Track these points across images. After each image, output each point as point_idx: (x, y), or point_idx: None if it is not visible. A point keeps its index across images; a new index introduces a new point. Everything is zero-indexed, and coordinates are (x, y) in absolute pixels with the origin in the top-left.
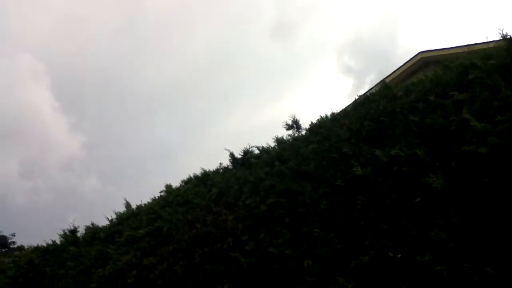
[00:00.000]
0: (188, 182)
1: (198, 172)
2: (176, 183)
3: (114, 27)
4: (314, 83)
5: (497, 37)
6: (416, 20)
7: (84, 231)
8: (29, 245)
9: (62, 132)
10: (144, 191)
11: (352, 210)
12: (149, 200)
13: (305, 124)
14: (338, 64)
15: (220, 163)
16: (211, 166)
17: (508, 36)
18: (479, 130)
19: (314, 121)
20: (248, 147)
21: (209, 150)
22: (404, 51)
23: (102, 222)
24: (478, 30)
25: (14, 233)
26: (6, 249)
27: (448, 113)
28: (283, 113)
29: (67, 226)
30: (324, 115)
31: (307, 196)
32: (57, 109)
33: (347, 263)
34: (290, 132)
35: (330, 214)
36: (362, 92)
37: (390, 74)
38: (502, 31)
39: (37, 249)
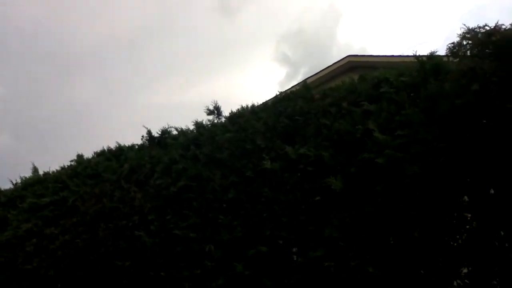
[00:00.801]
0: (101, 154)
1: (112, 145)
2: (89, 154)
3: None
4: (250, 66)
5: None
6: (358, 21)
7: None
8: None
9: None
10: (57, 155)
11: (258, 201)
12: (58, 168)
13: (226, 111)
14: (276, 52)
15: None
16: (131, 138)
17: (421, 58)
18: (379, 141)
19: (235, 110)
20: (166, 127)
21: (131, 122)
22: (340, 49)
23: (6, 185)
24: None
25: None
26: None
27: (356, 121)
28: (213, 93)
29: None
30: (245, 106)
31: (217, 183)
32: None
33: (247, 251)
34: (211, 117)
35: (236, 203)
36: (293, 83)
37: (318, 73)
38: (416, 52)
39: None
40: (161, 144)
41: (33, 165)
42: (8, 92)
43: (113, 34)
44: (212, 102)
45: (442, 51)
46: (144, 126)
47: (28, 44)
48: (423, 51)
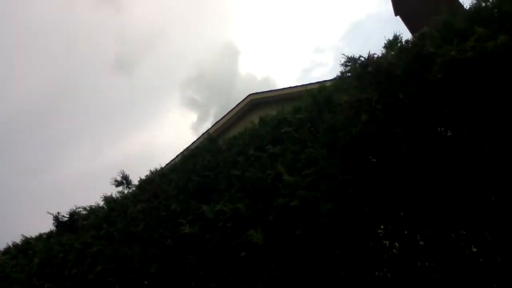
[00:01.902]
0: (6, 252)
1: (18, 239)
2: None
3: None
4: (160, 117)
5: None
6: (257, 52)
7: None
8: None
9: None
10: None
11: (183, 270)
12: None
13: (141, 171)
14: (183, 98)
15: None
16: (39, 226)
17: (312, 91)
18: (290, 183)
19: (144, 176)
20: (74, 208)
21: (39, 205)
22: (243, 82)
23: None
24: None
25: None
26: None
27: (265, 166)
28: (128, 152)
29: None
30: (154, 170)
31: (137, 259)
32: None
33: None
34: (120, 188)
35: (160, 277)
36: (206, 124)
37: (223, 117)
38: (306, 87)
39: None
40: (71, 228)
41: None
42: None
43: (9, 111)
44: (119, 172)
45: (333, 70)
46: (48, 213)
47: None
48: (319, 73)
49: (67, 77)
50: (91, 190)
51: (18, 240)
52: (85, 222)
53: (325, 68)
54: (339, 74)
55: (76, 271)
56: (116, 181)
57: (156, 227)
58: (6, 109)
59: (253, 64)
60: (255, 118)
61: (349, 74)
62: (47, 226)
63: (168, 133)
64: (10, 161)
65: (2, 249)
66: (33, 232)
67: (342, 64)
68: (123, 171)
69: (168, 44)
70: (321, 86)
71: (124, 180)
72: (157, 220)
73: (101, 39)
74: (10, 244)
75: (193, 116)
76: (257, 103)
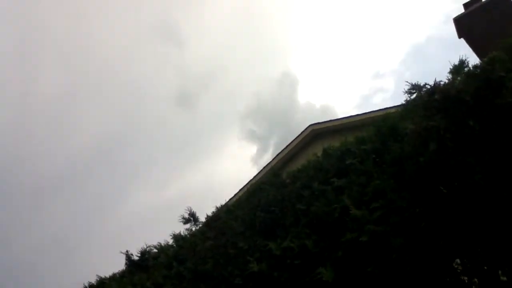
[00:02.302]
0: None
1: (93, 279)
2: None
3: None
4: (220, 152)
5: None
6: (315, 80)
7: None
8: None
9: None
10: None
11: None
12: None
13: (207, 208)
14: (242, 131)
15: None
16: (114, 261)
17: (378, 121)
18: (358, 217)
19: (210, 213)
20: (145, 247)
21: (111, 243)
22: (303, 112)
23: None
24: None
25: None
26: None
27: (330, 200)
28: (191, 188)
29: None
30: (220, 206)
31: None
32: None
33: None
34: (188, 225)
35: None
36: (265, 157)
37: (284, 149)
38: (368, 115)
39: None
40: (142, 267)
41: None
42: None
43: (70, 157)
44: (186, 209)
45: (394, 96)
46: (121, 252)
47: None
48: (379, 99)
49: (131, 114)
50: (158, 226)
51: (93, 280)
52: (155, 260)
53: (385, 93)
54: (403, 102)
55: None
56: (183, 218)
57: (225, 265)
58: (71, 148)
59: (311, 93)
60: (317, 149)
61: (414, 102)
62: (119, 263)
63: (228, 166)
64: (79, 200)
65: None
66: (105, 271)
67: (406, 92)
68: (190, 208)
69: (228, 76)
70: (385, 115)
71: (191, 217)
72: (225, 258)
73: (164, 75)
74: (86, 284)
75: (252, 148)
76: (318, 133)
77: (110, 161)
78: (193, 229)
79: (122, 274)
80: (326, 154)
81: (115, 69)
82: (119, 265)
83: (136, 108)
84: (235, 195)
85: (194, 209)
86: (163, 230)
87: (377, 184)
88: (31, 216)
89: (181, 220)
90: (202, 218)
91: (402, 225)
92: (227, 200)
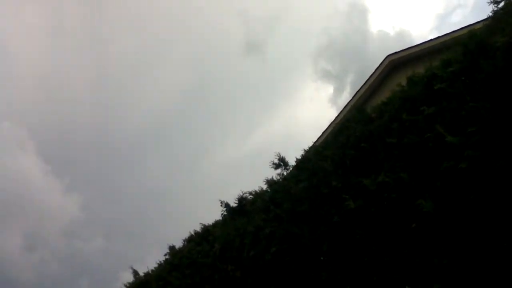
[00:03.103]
0: (190, 240)
1: (195, 227)
2: (177, 242)
3: (87, 80)
4: (296, 95)
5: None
6: (385, 5)
7: None
8: None
9: (58, 195)
10: (149, 244)
11: (353, 246)
12: (156, 265)
13: (293, 151)
14: (315, 71)
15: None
16: (210, 209)
17: (464, 39)
18: (454, 144)
19: (299, 156)
20: (241, 194)
21: (206, 188)
22: (376, 43)
23: None
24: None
25: None
26: None
27: (422, 129)
28: (272, 135)
29: None
30: (307, 148)
31: (307, 238)
32: (48, 173)
33: None
34: (279, 170)
35: (333, 254)
36: (344, 95)
37: (363, 85)
38: (450, 36)
39: None
40: (241, 212)
41: (132, 268)
42: (87, 197)
43: (155, 115)
44: (275, 155)
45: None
46: (220, 201)
47: (85, 147)
48: (459, 17)
49: (204, 69)
50: (246, 174)
51: (198, 228)
52: (252, 206)
53: (464, 9)
54: (490, 14)
55: (253, 253)
56: (273, 163)
57: (321, 205)
58: (154, 109)
59: (383, 20)
60: (397, 81)
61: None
62: (215, 212)
63: (306, 110)
64: (167, 158)
65: (187, 237)
66: (205, 219)
67: (491, 2)
68: (279, 153)
69: (292, 16)
70: (470, 33)
71: (281, 162)
72: (320, 198)
73: (229, 23)
74: (192, 232)
75: (329, 89)
76: (397, 63)
77: (189, 116)
78: (284, 173)
79: (224, 221)
80: (411, 83)
81: (185, 24)
82: (215, 214)
83: (207, 61)
84: (320, 137)
85: (284, 156)
86: (253, 178)
87: (471, 107)
88: (129, 173)
89: (271, 166)
90: (291, 163)
91: (503, 148)
92: (314, 141)
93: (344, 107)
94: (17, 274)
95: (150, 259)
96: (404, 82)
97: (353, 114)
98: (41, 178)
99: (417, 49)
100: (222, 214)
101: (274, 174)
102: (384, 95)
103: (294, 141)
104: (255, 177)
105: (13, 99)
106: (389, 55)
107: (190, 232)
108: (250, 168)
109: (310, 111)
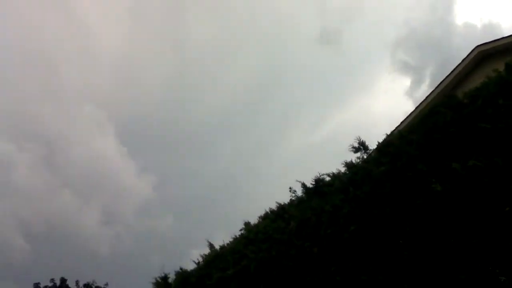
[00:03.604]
0: (265, 217)
1: (272, 205)
2: (250, 218)
3: (164, 68)
4: (372, 87)
5: None
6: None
7: (174, 277)
8: None
9: (133, 176)
10: (219, 224)
11: (438, 228)
12: (231, 240)
13: (371, 143)
14: (393, 63)
15: (294, 192)
16: (281, 191)
17: None
18: None
19: (380, 140)
20: (319, 175)
21: (275, 174)
22: (462, 36)
23: (183, 263)
24: None
25: (107, 283)
26: None
27: None
28: (345, 125)
29: (153, 269)
30: (390, 133)
31: (388, 219)
32: (124, 154)
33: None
34: (358, 154)
35: (415, 235)
36: (422, 89)
37: (449, 75)
38: None
39: None
40: (318, 193)
41: (208, 241)
42: (159, 178)
43: (229, 102)
44: (355, 139)
45: None
46: (297, 181)
47: (160, 131)
48: None
49: (277, 57)
50: (317, 163)
51: (270, 207)
52: (329, 187)
53: None
54: None
55: (330, 231)
56: (353, 147)
57: (404, 188)
58: (229, 95)
59: (470, 12)
60: (485, 72)
61: None
62: (282, 197)
63: (381, 102)
64: (239, 144)
65: (262, 215)
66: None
67: None
68: (359, 137)
69: (371, 7)
70: None
71: (361, 146)
72: (403, 181)
73: (304, 13)
74: (267, 210)
75: (405, 81)
76: (486, 54)
77: (264, 104)
78: (364, 157)
79: (299, 201)
80: (510, 68)
81: (259, 13)
82: (284, 199)
83: (281, 52)
84: (399, 125)
85: (365, 140)
86: (322, 166)
87: None
88: (201, 157)
89: (351, 149)
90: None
91: None
92: (394, 129)
93: (428, 95)
94: (95, 246)
95: (218, 239)
96: (492, 73)
97: (442, 100)
98: (118, 159)
99: (508, 40)
100: (290, 198)
101: (354, 157)
102: (470, 86)
103: (366, 133)
104: (324, 166)
105: (95, 84)
106: (478, 46)
107: (265, 210)
108: (320, 157)
109: (384, 104)
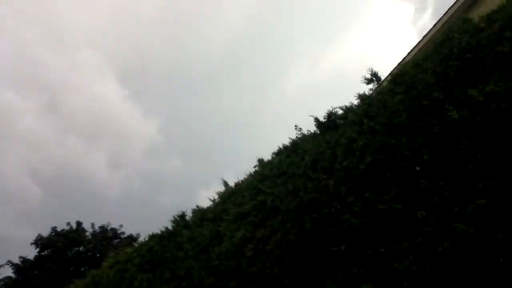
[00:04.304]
0: (279, 153)
1: (277, 144)
2: (261, 154)
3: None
4: (373, 14)
5: None
6: None
7: (191, 214)
8: (137, 233)
9: (138, 119)
10: (227, 165)
11: (456, 155)
12: (245, 177)
13: (382, 73)
14: None
15: (300, 130)
16: (287, 128)
17: None
18: None
19: (394, 70)
20: (331, 109)
21: (280, 111)
22: None
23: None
24: None
25: (121, 225)
26: (119, 240)
27: None
28: (349, 54)
29: (164, 210)
30: (403, 62)
31: (405, 148)
32: (127, 97)
33: (463, 209)
34: (371, 86)
35: (433, 163)
36: (425, 17)
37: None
38: None
39: (153, 236)
40: (331, 127)
41: (223, 179)
42: (164, 121)
43: (232, 39)
44: (368, 70)
45: None
46: (310, 115)
47: (161, 72)
48: None
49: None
50: (321, 98)
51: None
52: (343, 120)
53: None
54: None
55: (346, 163)
56: (366, 78)
57: (420, 116)
58: (228, 35)
59: None
60: None
61: None
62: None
63: (384, 32)
64: (241, 83)
65: (276, 151)
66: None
67: None
68: (371, 68)
69: None
70: None
71: (374, 77)
72: (419, 109)
73: None
74: (281, 146)
75: (409, 9)
76: None
77: (262, 42)
78: (375, 88)
79: (313, 135)
80: None
81: None
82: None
83: None
84: (411, 50)
85: (377, 71)
86: (326, 102)
87: None
88: (205, 98)
89: (363, 81)
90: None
91: None
92: (405, 56)
93: (440, 19)
94: (104, 190)
95: (227, 179)
96: None
97: (456, 24)
98: (121, 103)
99: None
100: (296, 136)
101: (367, 89)
102: (482, 11)
103: (369, 64)
104: (328, 101)
105: (91, 27)
106: None
107: (278, 146)
108: (324, 91)
109: (388, 34)
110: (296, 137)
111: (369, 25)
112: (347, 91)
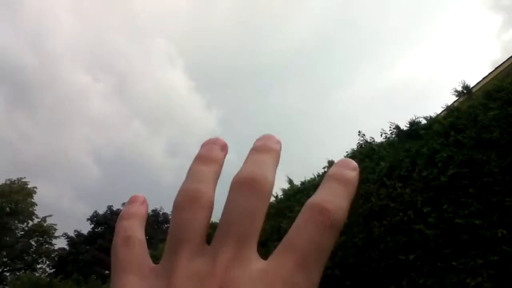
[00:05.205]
0: (353, 156)
1: (337, 151)
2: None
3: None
4: (457, 24)
5: None
6: None
7: None
8: None
9: (200, 110)
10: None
11: None
12: (312, 177)
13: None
14: (483, 1)
15: (363, 136)
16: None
17: None
18: None
19: (484, 85)
20: (414, 118)
21: (340, 117)
22: None
23: None
24: None
25: None
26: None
27: None
28: (427, 63)
29: (216, 202)
30: (502, 78)
31: (493, 165)
32: (193, 89)
33: None
34: (460, 99)
35: None
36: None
37: None
38: None
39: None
40: (412, 135)
41: (288, 177)
42: (225, 114)
43: (296, 43)
44: (459, 82)
45: None
46: (390, 122)
47: (229, 68)
48: None
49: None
50: (387, 107)
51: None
52: (427, 130)
53: None
54: None
55: (426, 173)
56: (456, 91)
57: None
58: (297, 35)
59: None
60: None
61: None
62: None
63: (464, 42)
64: (306, 84)
65: (348, 153)
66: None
67: None
68: (463, 80)
69: None
70: None
71: (465, 90)
72: None
73: None
74: (354, 149)
75: (496, 20)
76: None
77: (330, 47)
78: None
79: (390, 143)
80: None
81: None
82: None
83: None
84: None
85: (469, 84)
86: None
87: None
88: (267, 94)
89: (453, 93)
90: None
91: None
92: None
93: None
94: (160, 175)
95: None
96: None
97: None
98: (187, 93)
99: None
100: (358, 142)
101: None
102: None
103: (447, 77)
104: (392, 109)
105: (168, 18)
106: None
107: (351, 149)
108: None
109: (470, 44)
110: (359, 141)
111: (450, 34)
112: (415, 102)
